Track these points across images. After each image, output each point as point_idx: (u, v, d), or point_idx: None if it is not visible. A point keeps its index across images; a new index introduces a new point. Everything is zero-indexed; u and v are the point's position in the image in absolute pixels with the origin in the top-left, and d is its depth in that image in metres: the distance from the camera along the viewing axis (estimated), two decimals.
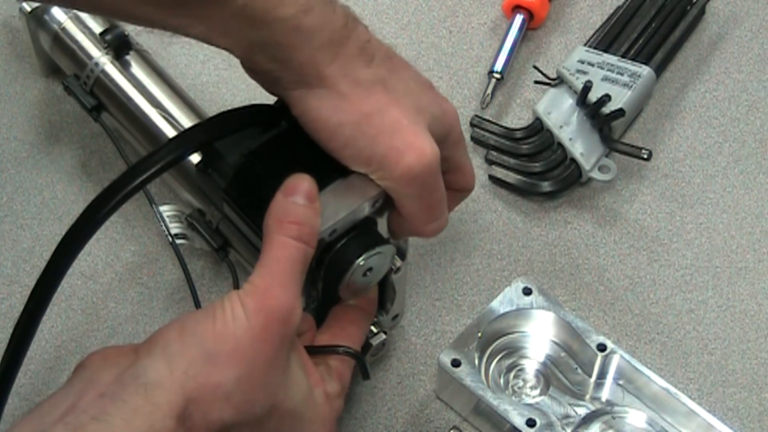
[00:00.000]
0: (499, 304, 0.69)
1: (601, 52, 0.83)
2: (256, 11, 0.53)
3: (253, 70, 0.59)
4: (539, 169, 0.79)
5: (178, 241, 0.69)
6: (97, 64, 0.75)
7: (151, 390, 0.49)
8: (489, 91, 0.84)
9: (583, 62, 0.82)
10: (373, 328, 0.65)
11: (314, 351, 0.59)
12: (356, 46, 0.57)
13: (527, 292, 0.70)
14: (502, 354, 0.70)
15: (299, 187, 0.55)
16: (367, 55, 0.57)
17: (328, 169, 0.58)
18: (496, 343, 0.70)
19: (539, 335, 0.70)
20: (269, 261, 0.53)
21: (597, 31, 0.87)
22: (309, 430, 0.56)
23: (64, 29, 0.77)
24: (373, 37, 0.59)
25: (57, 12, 0.78)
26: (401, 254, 0.65)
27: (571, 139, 0.79)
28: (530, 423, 0.64)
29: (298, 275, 0.54)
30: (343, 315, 0.62)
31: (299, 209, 0.54)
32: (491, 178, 0.80)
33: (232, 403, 0.51)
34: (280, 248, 0.53)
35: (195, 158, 0.61)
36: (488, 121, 0.82)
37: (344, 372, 0.60)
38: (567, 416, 0.66)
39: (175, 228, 0.70)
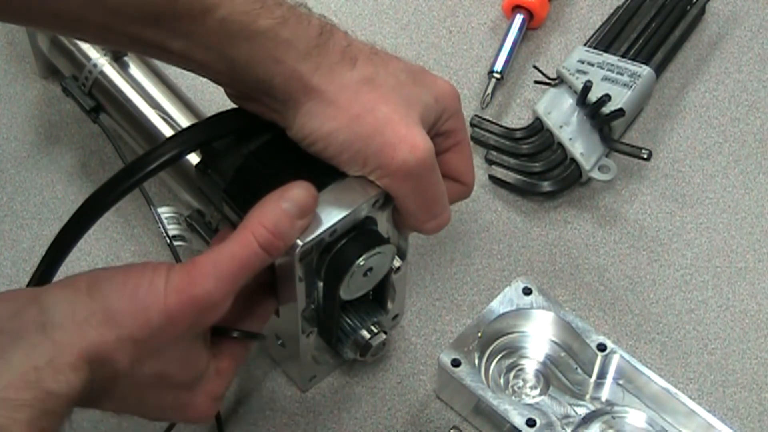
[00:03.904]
0: (499, 304, 0.69)
1: (601, 52, 0.83)
2: (235, 25, 0.54)
3: (240, 98, 0.59)
4: (539, 169, 0.79)
5: (176, 243, 0.69)
6: (95, 65, 0.75)
7: (51, 329, 0.48)
8: (489, 91, 0.84)
9: (583, 62, 0.82)
10: (373, 328, 0.65)
11: (216, 332, 0.58)
12: (337, 52, 0.57)
13: (527, 292, 0.70)
14: (502, 354, 0.70)
15: (298, 197, 0.55)
16: (349, 58, 0.57)
17: (327, 168, 0.58)
18: (496, 343, 0.70)
19: (539, 335, 0.70)
20: (223, 252, 0.53)
21: (597, 31, 0.87)
22: (195, 401, 0.56)
23: None
24: (354, 41, 0.59)
25: None
26: (401, 254, 0.65)
27: (571, 139, 0.79)
28: (530, 423, 0.64)
29: (241, 278, 0.53)
30: (251, 296, 0.60)
31: (284, 221, 0.54)
32: (491, 178, 0.80)
33: (129, 358, 0.51)
34: (242, 246, 0.53)
35: (194, 158, 0.62)
36: (488, 121, 0.82)
37: (240, 349, 0.59)
38: (567, 416, 0.66)
39: (173, 230, 0.70)
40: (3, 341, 0.48)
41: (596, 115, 0.79)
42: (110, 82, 0.74)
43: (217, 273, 0.52)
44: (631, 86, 0.80)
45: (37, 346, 0.48)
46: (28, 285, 0.56)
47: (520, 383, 0.69)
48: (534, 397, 0.68)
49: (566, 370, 0.69)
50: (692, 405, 0.66)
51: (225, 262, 0.53)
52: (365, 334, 0.64)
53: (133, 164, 0.57)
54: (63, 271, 0.57)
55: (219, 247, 0.53)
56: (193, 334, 0.54)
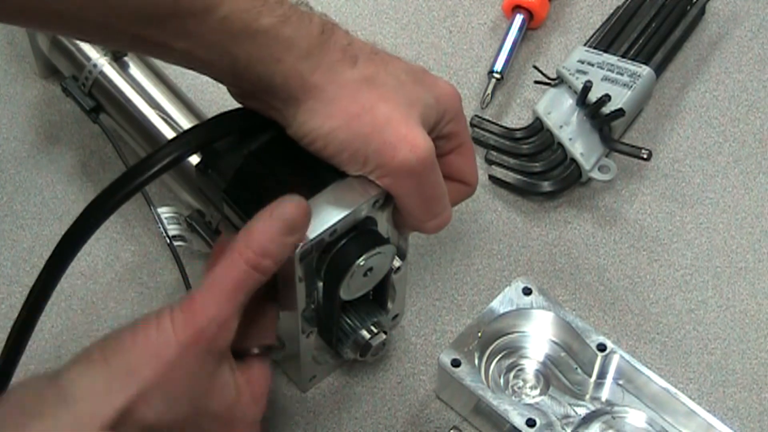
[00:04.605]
0: (499, 304, 0.69)
1: (601, 52, 0.83)
2: (237, 24, 0.54)
3: (242, 96, 0.59)
4: (539, 169, 0.79)
5: (176, 243, 0.69)
6: (95, 65, 0.75)
7: (73, 403, 0.49)
8: (489, 91, 0.84)
9: (583, 62, 0.82)
10: (373, 328, 0.65)
11: (237, 355, 0.57)
12: (337, 51, 0.57)
13: (527, 292, 0.70)
14: (502, 354, 0.70)
15: (288, 214, 0.54)
16: (350, 57, 0.57)
17: (327, 169, 0.58)
18: (496, 343, 0.70)
19: (539, 335, 0.70)
20: (214, 277, 0.53)
21: (597, 31, 0.87)
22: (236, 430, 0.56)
23: None
24: (355, 39, 0.59)
25: None
26: (401, 254, 0.65)
27: (571, 139, 0.79)
28: (530, 423, 0.64)
29: (240, 295, 0.53)
30: (252, 308, 0.59)
31: (273, 242, 0.54)
32: (491, 178, 0.80)
33: (155, 408, 0.51)
34: (233, 269, 0.53)
35: (195, 159, 0.62)
36: (488, 121, 0.82)
37: (266, 370, 0.58)
38: (567, 416, 0.66)
39: (173, 230, 0.70)
40: (24, 421, 0.48)
41: (596, 115, 0.79)
42: (110, 82, 0.74)
43: (216, 298, 0.53)
44: (631, 86, 0.80)
45: (59, 422, 0.48)
46: (31, 290, 0.56)
47: (520, 383, 0.69)
48: (534, 397, 0.68)
49: (566, 370, 0.69)
50: (692, 405, 0.66)
51: (220, 285, 0.53)
52: (365, 334, 0.64)
53: (135, 167, 0.57)
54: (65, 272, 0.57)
55: (212, 272, 0.53)
56: (213, 361, 0.53)
